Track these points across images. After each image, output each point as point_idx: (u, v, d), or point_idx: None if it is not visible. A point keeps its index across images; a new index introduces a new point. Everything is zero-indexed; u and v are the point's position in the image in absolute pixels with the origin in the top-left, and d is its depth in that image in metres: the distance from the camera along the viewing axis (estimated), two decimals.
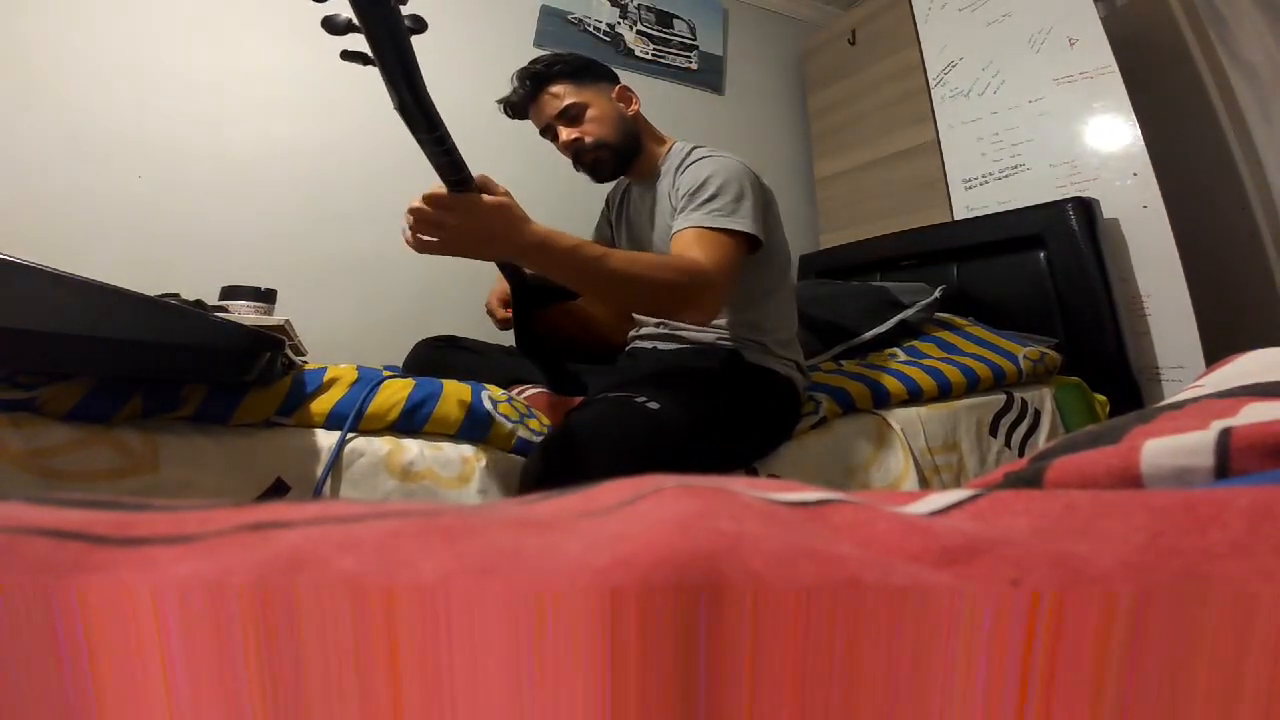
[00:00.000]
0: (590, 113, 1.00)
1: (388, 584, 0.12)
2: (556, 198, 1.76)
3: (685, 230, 0.88)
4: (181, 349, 0.61)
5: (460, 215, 0.67)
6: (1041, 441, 1.24)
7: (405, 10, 0.49)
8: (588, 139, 1.00)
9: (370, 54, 0.51)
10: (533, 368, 1.07)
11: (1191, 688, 0.12)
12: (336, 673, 0.12)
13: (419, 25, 0.50)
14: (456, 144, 0.63)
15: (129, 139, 1.49)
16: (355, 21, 0.48)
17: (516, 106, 1.04)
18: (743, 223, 0.88)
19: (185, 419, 0.72)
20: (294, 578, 0.13)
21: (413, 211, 0.69)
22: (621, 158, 1.04)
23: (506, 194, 0.72)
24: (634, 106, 1.06)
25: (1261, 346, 0.35)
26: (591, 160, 1.02)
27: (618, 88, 1.05)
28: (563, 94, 0.99)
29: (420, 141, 0.61)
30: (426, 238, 0.70)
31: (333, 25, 0.50)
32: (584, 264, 0.74)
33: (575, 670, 0.12)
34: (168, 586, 0.13)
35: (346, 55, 0.54)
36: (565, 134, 1.00)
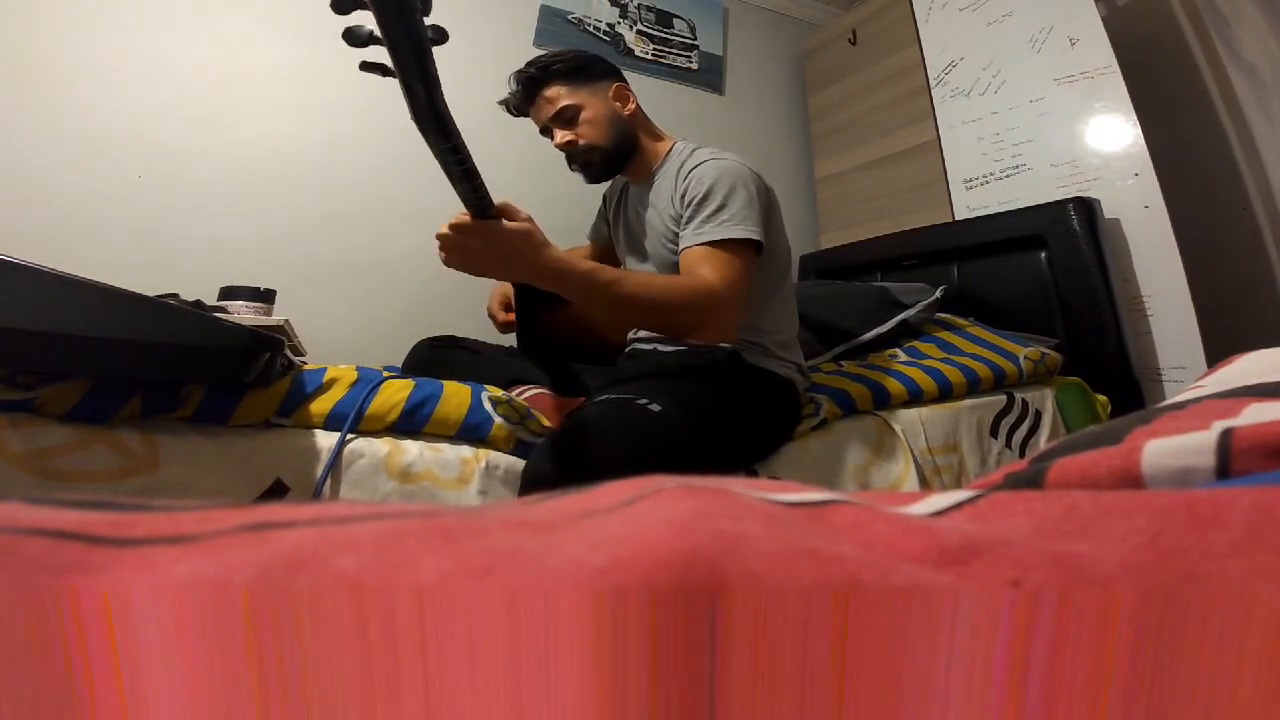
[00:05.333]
0: (584, 115, 1.00)
1: (387, 584, 0.12)
2: (555, 195, 1.76)
3: (694, 248, 0.88)
4: (181, 349, 0.61)
5: (483, 240, 0.70)
6: (1042, 442, 1.24)
7: (427, 21, 0.48)
8: (580, 142, 1.01)
9: (391, 65, 0.51)
10: (533, 368, 1.07)
11: (1192, 688, 0.12)
12: (336, 673, 0.12)
13: (440, 36, 0.50)
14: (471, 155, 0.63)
15: (129, 139, 1.50)
16: (377, 34, 0.47)
17: (516, 107, 1.05)
18: (752, 231, 0.88)
19: (184, 419, 0.72)
20: (293, 578, 0.13)
21: (439, 237, 0.72)
22: (612, 160, 1.04)
23: (528, 219, 0.74)
24: (630, 105, 1.04)
25: (1263, 347, 0.35)
26: (583, 162, 1.03)
27: (614, 86, 1.04)
28: (557, 97, 1.00)
29: (435, 151, 0.60)
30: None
31: (354, 37, 0.49)
32: (597, 288, 0.76)
33: (575, 671, 0.12)
34: (167, 587, 0.13)
35: (366, 66, 0.54)
36: (559, 136, 1.01)
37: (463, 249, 0.71)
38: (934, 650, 0.12)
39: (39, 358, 0.58)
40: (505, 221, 0.71)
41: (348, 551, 0.13)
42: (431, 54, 0.50)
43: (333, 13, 0.46)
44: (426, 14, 0.47)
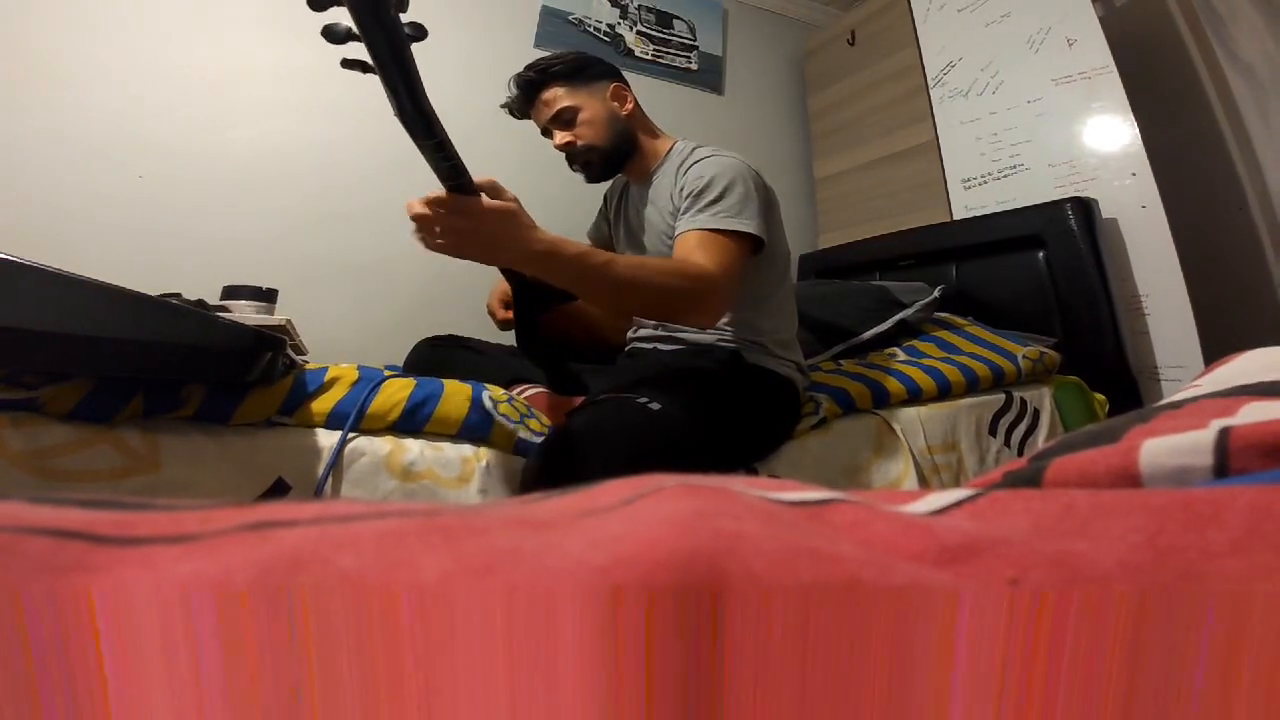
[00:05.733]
0: (582, 116, 1.00)
1: (388, 583, 0.13)
2: (555, 195, 1.76)
3: (689, 233, 0.88)
4: (182, 349, 0.61)
5: (466, 218, 0.67)
6: (1040, 441, 1.24)
7: (406, 18, 0.49)
8: (579, 142, 1.01)
9: (370, 62, 0.51)
10: (533, 367, 1.07)
11: (1190, 687, 0.12)
12: (337, 672, 0.12)
13: (419, 33, 0.50)
14: (457, 150, 0.63)
15: (129, 139, 1.49)
16: (355, 30, 0.48)
17: (517, 109, 1.06)
18: (748, 224, 0.88)
19: (186, 419, 0.72)
20: (294, 577, 0.13)
21: (416, 217, 0.68)
22: (611, 160, 1.04)
23: (515, 200, 0.72)
24: (628, 105, 1.05)
25: (1260, 346, 0.35)
26: (583, 162, 1.04)
27: (612, 86, 1.04)
28: (554, 99, 1.00)
29: (421, 148, 0.61)
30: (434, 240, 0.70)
31: (333, 34, 0.50)
32: (590, 271, 0.74)
33: (575, 670, 0.12)
34: (168, 586, 0.13)
35: (347, 63, 0.54)
36: (558, 138, 1.02)
37: (446, 229, 0.68)
38: (934, 649, 0.12)
39: (41, 357, 0.58)
40: (491, 200, 0.68)
41: (349, 550, 0.13)
42: (410, 50, 0.50)
43: (310, 10, 0.46)
44: (403, 10, 0.47)
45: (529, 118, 1.06)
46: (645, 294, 0.79)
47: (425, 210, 0.67)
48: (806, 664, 0.12)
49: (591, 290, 0.77)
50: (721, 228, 0.87)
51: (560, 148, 1.03)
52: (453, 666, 0.12)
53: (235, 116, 1.61)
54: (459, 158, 0.63)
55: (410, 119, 0.56)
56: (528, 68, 1.02)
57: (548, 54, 1.05)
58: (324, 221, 1.68)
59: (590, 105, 1.01)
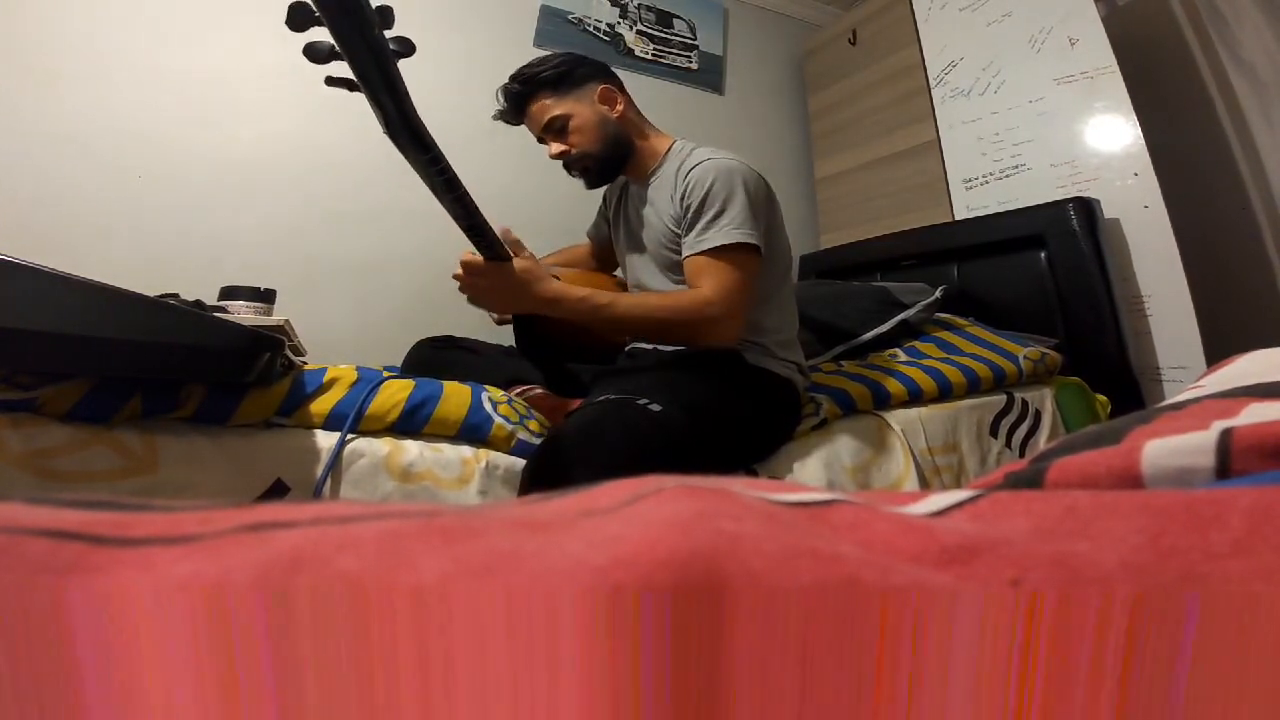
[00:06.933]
0: (573, 123, 1.00)
1: (387, 584, 0.12)
2: (555, 195, 1.76)
3: (695, 257, 0.91)
4: (181, 349, 0.61)
5: (491, 279, 0.83)
6: (1042, 442, 1.24)
7: (392, 34, 0.47)
8: (573, 151, 1.01)
9: (355, 79, 0.49)
10: (532, 368, 1.07)
11: (1191, 688, 0.12)
12: (336, 673, 0.12)
13: (406, 49, 0.48)
14: (452, 164, 0.62)
15: (129, 139, 1.49)
16: (337, 49, 0.46)
17: (510, 119, 1.06)
18: (750, 235, 0.89)
19: (184, 419, 0.72)
20: (293, 578, 0.13)
21: (455, 277, 0.85)
22: (607, 165, 1.04)
23: (531, 257, 0.85)
24: (618, 108, 1.04)
25: (1262, 346, 0.35)
26: (580, 169, 1.04)
27: (600, 89, 1.02)
28: (543, 110, 1.00)
29: (413, 164, 0.60)
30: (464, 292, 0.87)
31: (315, 53, 0.48)
32: (590, 312, 0.86)
33: (575, 671, 0.12)
34: (167, 587, 0.13)
35: (332, 81, 0.52)
36: (552, 148, 1.02)
37: (473, 287, 0.84)
38: (934, 650, 0.12)
39: (40, 358, 0.58)
40: (513, 261, 0.81)
41: (348, 551, 0.13)
42: (396, 67, 0.49)
43: (289, 30, 0.45)
44: (388, 27, 0.46)
45: (523, 124, 1.06)
46: (647, 330, 0.90)
47: (462, 273, 0.84)
48: (806, 665, 0.12)
49: (599, 328, 0.88)
50: (726, 242, 0.88)
51: (555, 157, 1.03)
52: (452, 668, 0.12)
53: (234, 117, 1.61)
54: (453, 171, 0.62)
55: (400, 136, 0.55)
56: (512, 79, 1.01)
57: (536, 57, 1.04)
58: (323, 222, 1.68)
59: (579, 111, 1.00)
